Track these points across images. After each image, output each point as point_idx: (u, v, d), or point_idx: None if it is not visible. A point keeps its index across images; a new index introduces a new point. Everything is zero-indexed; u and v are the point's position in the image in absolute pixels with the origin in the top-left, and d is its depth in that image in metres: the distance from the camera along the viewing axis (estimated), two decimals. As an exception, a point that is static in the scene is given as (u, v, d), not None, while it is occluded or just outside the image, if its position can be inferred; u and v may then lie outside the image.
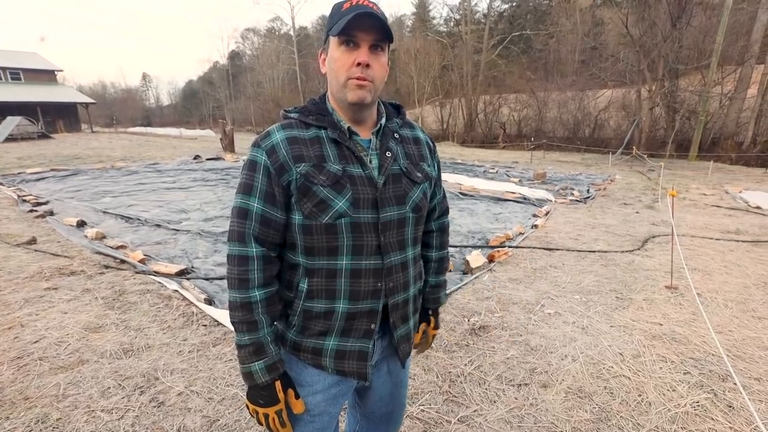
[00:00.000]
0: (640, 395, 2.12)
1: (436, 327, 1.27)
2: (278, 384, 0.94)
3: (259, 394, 0.94)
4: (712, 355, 2.51)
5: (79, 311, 2.95)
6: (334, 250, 0.93)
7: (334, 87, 0.94)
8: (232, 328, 0.93)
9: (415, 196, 1.00)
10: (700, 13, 18.38)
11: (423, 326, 1.24)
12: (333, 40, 0.91)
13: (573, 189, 8.93)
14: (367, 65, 0.89)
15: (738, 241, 5.13)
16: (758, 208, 7.38)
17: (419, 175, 1.02)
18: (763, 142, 16.87)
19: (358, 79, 0.89)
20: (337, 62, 0.90)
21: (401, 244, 0.99)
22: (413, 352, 1.25)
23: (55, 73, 31.98)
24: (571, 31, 28.15)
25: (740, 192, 9.13)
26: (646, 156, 14.19)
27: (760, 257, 4.50)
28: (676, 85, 18.38)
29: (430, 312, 1.25)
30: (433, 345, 2.58)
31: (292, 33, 44.50)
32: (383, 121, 1.01)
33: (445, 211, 1.23)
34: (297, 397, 0.98)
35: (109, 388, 2.12)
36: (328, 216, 0.90)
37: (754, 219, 6.50)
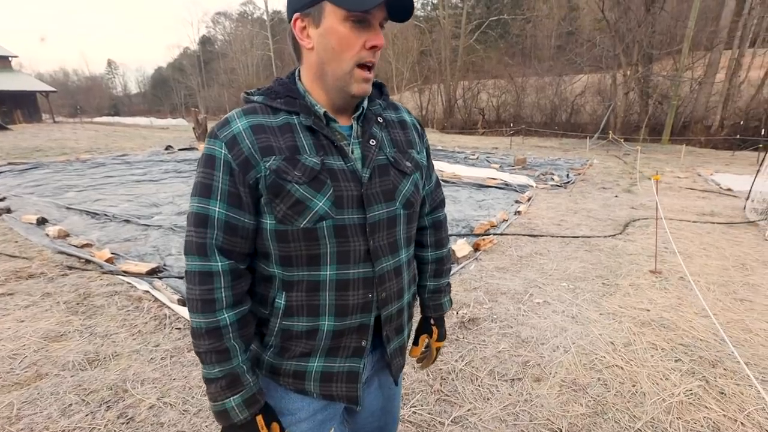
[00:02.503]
0: (633, 385, 2.09)
1: (441, 338, 1.11)
2: (260, 419, 0.80)
3: None
4: (700, 340, 2.50)
5: (38, 318, 2.71)
6: (315, 258, 0.78)
7: (332, 71, 0.76)
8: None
9: (405, 189, 0.86)
10: (672, -2, 18.69)
11: (424, 338, 1.09)
12: (334, 10, 0.72)
13: (553, 174, 8.98)
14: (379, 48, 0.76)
15: (714, 223, 5.25)
16: (729, 190, 7.61)
17: (408, 164, 0.88)
18: (730, 125, 17.46)
19: (366, 69, 0.75)
20: (342, 42, 0.73)
21: (393, 247, 0.86)
22: (417, 366, 1.11)
23: (10, 59, 29.92)
24: (547, 16, 28.21)
25: (711, 174, 9.40)
26: (622, 140, 14.46)
27: (735, 238, 4.61)
28: (650, 69, 18.73)
29: (432, 321, 1.10)
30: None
31: (265, 17, 43.00)
32: (365, 103, 0.85)
33: (440, 204, 1.07)
34: (282, 430, 0.84)
35: (71, 404, 1.92)
36: (306, 219, 0.75)
37: (726, 201, 6.68)
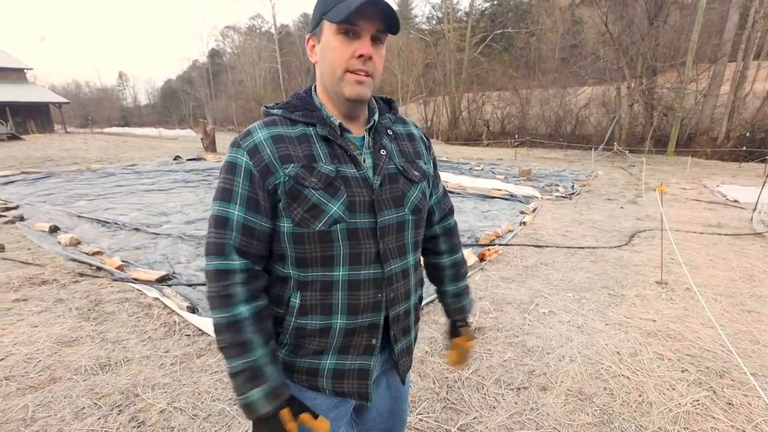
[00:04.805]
0: (640, 395, 2.09)
1: (470, 338, 1.18)
2: (285, 413, 0.82)
3: (265, 429, 0.82)
4: (707, 351, 2.50)
5: (51, 324, 2.76)
6: (329, 260, 0.83)
7: (328, 79, 0.84)
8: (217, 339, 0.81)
9: (413, 196, 0.92)
10: (675, 12, 18.85)
11: (456, 341, 1.16)
12: (328, 26, 0.81)
13: (558, 185, 9.00)
14: (369, 58, 0.80)
15: (720, 234, 5.23)
16: (736, 201, 7.58)
17: (416, 173, 0.95)
18: (736, 137, 17.43)
19: (357, 73, 0.81)
20: (334, 52, 0.81)
21: (401, 250, 0.91)
22: (456, 367, 1.16)
23: (25, 71, 30.69)
24: (551, 29, 28.51)
25: (718, 186, 9.37)
26: (627, 152, 14.47)
27: (742, 250, 4.59)
28: (654, 82, 18.81)
29: (460, 323, 1.16)
30: (428, 349, 2.50)
31: (273, 31, 43.85)
32: (376, 116, 0.92)
33: (449, 212, 1.14)
34: (315, 416, 0.85)
35: (83, 408, 1.96)
36: (321, 222, 0.81)
37: (733, 212, 6.66)
